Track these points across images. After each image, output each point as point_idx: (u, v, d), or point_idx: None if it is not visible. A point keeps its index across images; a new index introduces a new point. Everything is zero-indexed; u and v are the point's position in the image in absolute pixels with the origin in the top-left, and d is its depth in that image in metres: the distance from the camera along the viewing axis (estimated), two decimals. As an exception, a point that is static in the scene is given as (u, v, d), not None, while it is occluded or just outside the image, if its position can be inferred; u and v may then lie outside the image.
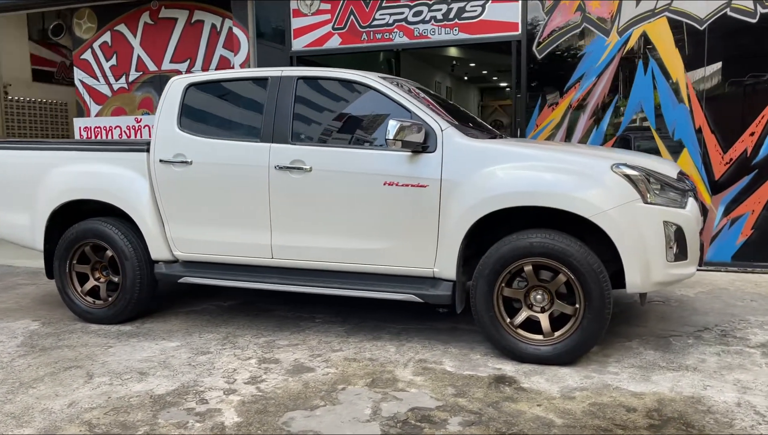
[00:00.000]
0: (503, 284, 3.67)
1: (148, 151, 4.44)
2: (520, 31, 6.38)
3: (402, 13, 6.78)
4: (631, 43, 6.10)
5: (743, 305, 4.84)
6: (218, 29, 8.16)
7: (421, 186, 3.79)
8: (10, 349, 4.07)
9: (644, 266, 3.47)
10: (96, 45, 8.84)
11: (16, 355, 3.94)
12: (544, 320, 3.64)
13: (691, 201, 3.71)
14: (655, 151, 6.09)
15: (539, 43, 6.36)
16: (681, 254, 3.59)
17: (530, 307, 3.68)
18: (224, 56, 8.10)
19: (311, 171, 4.02)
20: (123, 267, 4.48)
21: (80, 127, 8.59)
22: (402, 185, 3.83)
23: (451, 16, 6.59)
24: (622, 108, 6.19)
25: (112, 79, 8.77)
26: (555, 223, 3.70)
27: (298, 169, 4.04)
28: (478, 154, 3.74)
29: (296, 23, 7.23)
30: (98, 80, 8.83)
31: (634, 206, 3.46)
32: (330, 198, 4.00)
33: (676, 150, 6.05)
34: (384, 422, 2.93)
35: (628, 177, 3.50)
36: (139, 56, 8.64)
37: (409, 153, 3.82)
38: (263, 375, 3.53)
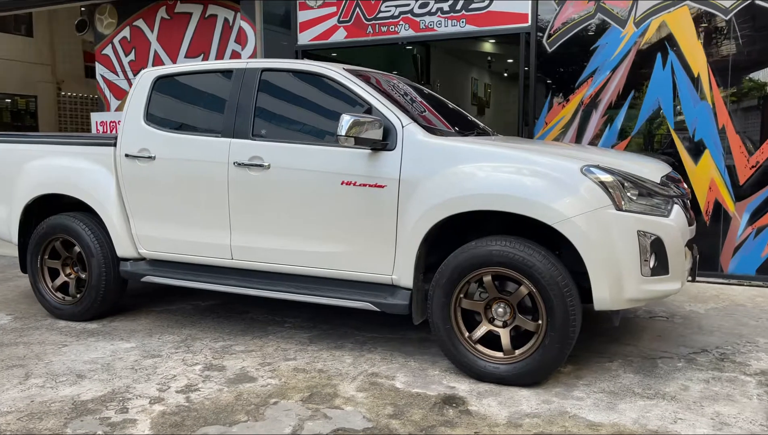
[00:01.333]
0: (462, 295, 3.35)
1: (115, 145, 4.32)
2: (529, 23, 5.99)
3: (408, 4, 6.48)
4: (649, 34, 5.62)
5: (756, 325, 4.35)
6: (231, 23, 8.06)
7: (379, 186, 3.52)
8: (-31, 344, 4.02)
9: (615, 281, 3.09)
10: (116, 40, 8.90)
11: (-30, 351, 3.89)
12: (504, 336, 3.30)
13: (676, 209, 3.30)
14: (674, 153, 5.60)
15: (550, 36, 5.95)
16: (660, 268, 3.19)
17: (491, 320, 3.36)
18: (236, 51, 7.99)
19: (270, 168, 3.81)
20: (89, 264, 4.38)
21: (97, 122, 8.67)
22: (360, 185, 3.56)
23: (458, 7, 6.26)
24: (637, 105, 5.71)
25: (130, 74, 8.80)
26: (532, 231, 3.34)
27: (258, 166, 3.83)
28: (440, 153, 3.44)
29: (302, 16, 7.03)
30: (118, 75, 8.89)
31: (605, 213, 3.08)
32: (288, 197, 3.77)
33: (696, 151, 5.54)
34: (300, 444, 2.68)
35: (599, 181, 3.12)
36: (156, 51, 8.64)
37: (369, 151, 3.55)
38: (200, 383, 3.34)
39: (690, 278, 3.62)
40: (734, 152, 5.43)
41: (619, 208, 3.10)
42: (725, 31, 5.39)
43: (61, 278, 4.60)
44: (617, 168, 3.24)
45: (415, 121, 3.58)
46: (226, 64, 4.17)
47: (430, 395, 3.19)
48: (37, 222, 4.68)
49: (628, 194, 3.16)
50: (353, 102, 3.71)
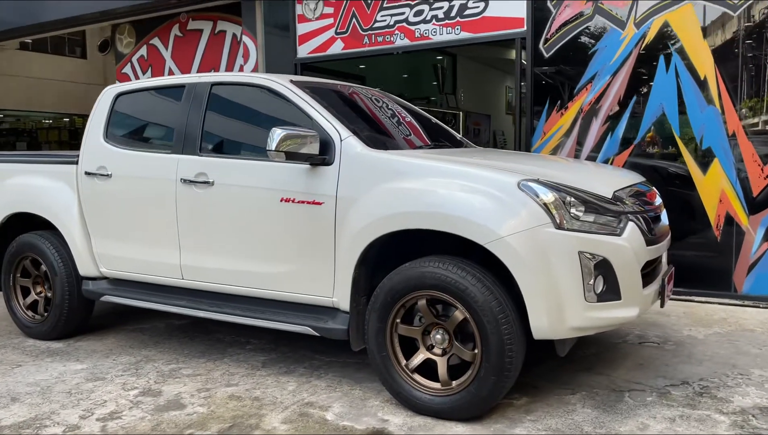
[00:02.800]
0: (398, 320, 3.11)
1: (77, 163, 4.29)
2: (525, 28, 5.68)
3: (403, 13, 6.29)
4: (651, 35, 5.22)
5: (757, 354, 3.90)
6: (238, 39, 8.05)
7: (317, 203, 3.33)
8: (-69, 363, 4.05)
9: (554, 307, 2.78)
10: (134, 59, 9.07)
11: (-73, 370, 3.91)
12: (441, 365, 3.03)
13: (631, 227, 2.96)
14: (680, 162, 5.17)
15: (546, 40, 5.63)
16: (609, 293, 2.86)
17: (430, 348, 3.10)
18: (243, 65, 7.98)
19: (214, 185, 3.68)
20: (53, 282, 4.36)
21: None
22: (298, 202, 3.38)
23: (453, 14, 6.02)
24: (640, 112, 5.31)
25: (147, 92, 8.92)
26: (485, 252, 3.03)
27: (203, 183, 3.71)
28: (378, 168, 3.21)
29: (301, 29, 6.95)
30: (135, 93, 9.02)
31: (543, 232, 2.79)
32: (231, 215, 3.63)
33: (704, 160, 5.10)
34: (192, 482, 2.50)
35: (537, 197, 2.83)
36: (170, 68, 8.74)
37: (308, 166, 3.36)
38: (126, 411, 3.21)
39: (660, 303, 3.25)
40: (746, 161, 4.95)
41: (559, 227, 2.79)
42: (734, 29, 4.95)
43: (32, 297, 4.61)
44: (563, 182, 2.93)
45: (357, 134, 3.37)
46: (179, 79, 4.08)
47: (356, 429, 2.95)
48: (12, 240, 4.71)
49: (574, 211, 2.85)
50: (297, 115, 3.54)
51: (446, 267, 2.92)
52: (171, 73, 8.69)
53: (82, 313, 4.47)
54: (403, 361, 3.11)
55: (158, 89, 4.16)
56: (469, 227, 2.87)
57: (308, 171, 3.36)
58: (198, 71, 8.45)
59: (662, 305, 3.23)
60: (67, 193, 4.33)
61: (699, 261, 5.21)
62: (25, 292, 4.64)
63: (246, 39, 7.32)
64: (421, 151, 3.63)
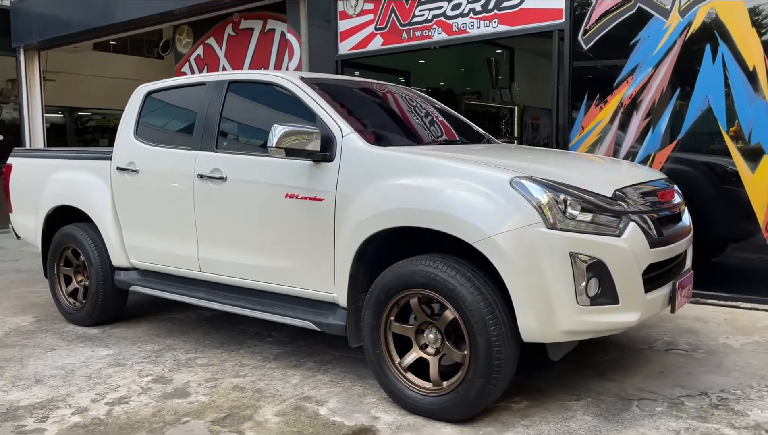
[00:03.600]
0: (392, 318, 3.09)
1: (111, 159, 4.50)
2: (564, 19, 5.48)
3: (441, 7, 6.21)
4: (696, 24, 4.92)
5: (794, 365, 3.62)
6: (286, 37, 8.20)
7: (318, 199, 3.35)
8: (-21, 344, 4.36)
9: (544, 309, 2.68)
10: (192, 58, 9.40)
11: (-28, 350, 4.21)
12: (432, 365, 2.99)
13: (632, 227, 2.80)
14: (727, 159, 4.85)
15: (585, 32, 5.42)
16: (605, 297, 2.73)
17: (423, 347, 3.06)
18: (288, 63, 8.11)
19: (227, 180, 3.77)
20: (90, 272, 4.61)
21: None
22: (301, 198, 3.42)
23: (490, 7, 5.89)
24: (684, 105, 5.03)
25: (204, 90, 9.22)
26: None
27: (218, 178, 3.81)
28: (377, 164, 3.20)
29: (342, 25, 6.99)
30: (193, 91, 9.35)
31: (532, 232, 2.69)
32: (242, 210, 3.71)
33: (753, 156, 4.76)
34: (173, 469, 2.58)
35: (529, 194, 2.73)
36: (224, 66, 9.00)
37: (311, 162, 3.39)
38: (135, 396, 3.36)
39: (670, 308, 3.07)
40: (799, 157, 4.60)
41: (552, 227, 2.69)
42: (787, 16, 4.59)
43: (73, 285, 4.88)
44: (560, 180, 2.82)
45: (359, 130, 3.36)
46: (201, 77, 4.20)
47: (345, 425, 2.96)
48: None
49: (569, 211, 2.73)
50: (304, 112, 3.57)
51: (436, 265, 2.87)
52: (225, 71, 8.95)
53: (116, 301, 4.68)
54: (397, 359, 3.09)
55: (183, 87, 4.30)
56: (458, 225, 2.81)
57: (311, 167, 3.39)
58: (249, 69, 8.67)
59: (673, 311, 3.05)
60: (102, 187, 4.55)
61: (746, 264, 4.89)
62: (68, 281, 4.92)
63: (290, 37, 7.44)
64: (428, 147, 3.58)
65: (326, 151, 3.33)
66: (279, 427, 2.95)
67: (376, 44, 6.73)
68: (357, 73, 7.62)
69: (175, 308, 5.19)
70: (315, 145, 3.28)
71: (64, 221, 4.95)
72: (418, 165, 3.07)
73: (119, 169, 4.40)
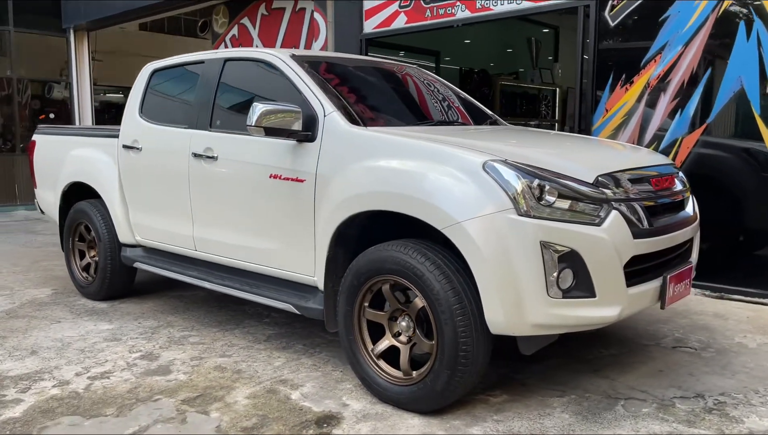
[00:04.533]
0: (366, 304, 3.00)
1: (118, 137, 4.56)
2: (590, -6, 5.20)
3: (465, -17, 5.99)
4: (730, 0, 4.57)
5: (811, 370, 3.34)
6: (314, 16, 8.12)
7: (299, 180, 3.28)
8: (-7, 314, 4.52)
9: (512, 301, 2.54)
10: (227, 38, 9.45)
11: (-15, 320, 4.37)
12: (403, 353, 2.90)
13: (614, 216, 2.61)
14: (760, 144, 4.51)
15: (612, 7, 5.11)
16: (579, 289, 2.55)
17: (397, 335, 2.96)
18: (314, 42, 8.04)
19: (218, 159, 3.74)
20: (99, 248, 4.70)
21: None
22: (284, 179, 3.35)
23: (515, -18, 5.64)
24: (715, 86, 4.69)
25: (238, 70, 9.27)
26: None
27: (209, 157, 3.79)
28: (356, 144, 3.09)
29: (367, 4, 6.85)
30: (228, 71, 9.42)
31: (503, 219, 2.54)
32: (231, 190, 3.68)
33: (789, 142, 4.41)
34: (130, 446, 2.59)
35: (501, 179, 2.58)
36: (257, 47, 9.01)
37: (294, 142, 3.32)
38: (117, 372, 3.40)
39: (660, 304, 2.85)
40: (839, 144, 4.21)
41: (525, 214, 2.53)
42: (831, -12, 4.19)
43: (86, 260, 4.99)
44: (537, 163, 2.65)
45: (343, 109, 3.26)
46: (201, 55, 4.18)
47: (312, 411, 2.90)
48: (74, 207, 5.12)
49: (547, 197, 2.57)
50: (293, 90, 3.49)
51: (407, 251, 2.76)
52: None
53: (124, 277, 4.77)
54: (370, 346, 3.01)
55: (184, 65, 4.28)
56: (427, 210, 2.69)
57: (294, 147, 3.31)
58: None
59: (662, 307, 2.84)
60: (110, 165, 4.62)
61: (776, 258, 4.54)
62: (82, 255, 5.04)
63: (317, 16, 7.36)
64: (417, 128, 3.43)
65: (308, 131, 3.25)
66: (246, 409, 2.93)
67: (400, 22, 6.57)
68: (384, 53, 7.48)
69: (184, 286, 5.23)
70: (296, 125, 3.20)
71: (80, 197, 5.07)
72: (394, 146, 2.95)
73: (125, 146, 4.45)
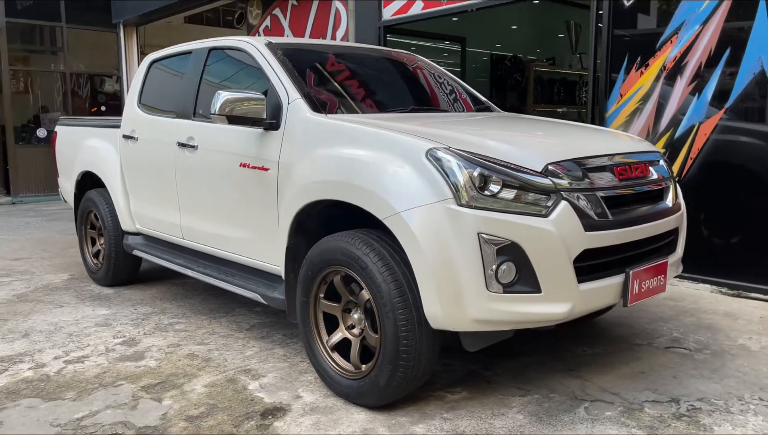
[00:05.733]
0: (321, 295, 2.94)
1: (119, 127, 4.66)
2: (604, -27, 4.93)
3: (480, -34, 5.80)
4: (752, -27, 4.22)
5: (812, 376, 3.05)
6: (336, 5, 8.07)
7: (264, 169, 3.25)
8: (7, 296, 4.72)
9: (451, 295, 2.42)
10: (261, 29, 9.55)
11: (-5, 303, 4.58)
12: (354, 346, 2.83)
13: (562, 207, 2.44)
14: (783, 130, 4.16)
15: (627, -13, 4.83)
16: (522, 284, 2.41)
17: (351, 327, 2.89)
18: (336, 31, 7.98)
19: (198, 149, 3.76)
20: (104, 235, 4.84)
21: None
22: (252, 168, 3.33)
23: (529, -37, 5.41)
24: (734, 68, 4.35)
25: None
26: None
27: (191, 146, 3.81)
28: (317, 132, 3.03)
29: (386, -9, 6.75)
30: (261, 62, 9.52)
31: (441, 209, 2.42)
32: (209, 178, 3.69)
33: (814, 128, 4.04)
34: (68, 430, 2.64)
35: (441, 167, 2.46)
36: (287, 37, 9.06)
37: (261, 130, 3.29)
38: (95, 356, 3.48)
39: (623, 302, 2.66)
40: None
41: (466, 204, 2.40)
42: None
43: (97, 246, 5.15)
44: (483, 151, 2.51)
45: (308, 97, 3.20)
46: (191, 45, 4.20)
47: (263, 402, 2.88)
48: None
49: (491, 186, 2.43)
50: (265, 78, 3.46)
51: (353, 242, 2.68)
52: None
53: (128, 264, 4.89)
54: (325, 338, 2.95)
55: (177, 55, 4.33)
56: (370, 200, 2.60)
57: (261, 135, 3.29)
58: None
59: (625, 304, 2.64)
60: (113, 154, 4.74)
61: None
62: (93, 242, 5.20)
63: (338, 5, 7.31)
64: (384, 115, 3.33)
65: (274, 119, 3.21)
66: (199, 398, 2.93)
67: (417, 9, 6.44)
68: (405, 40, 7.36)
69: (191, 273, 5.33)
70: (258, 112, 3.17)
71: (93, 187, 5.23)
72: (347, 134, 2.87)
73: (124, 136, 4.54)
